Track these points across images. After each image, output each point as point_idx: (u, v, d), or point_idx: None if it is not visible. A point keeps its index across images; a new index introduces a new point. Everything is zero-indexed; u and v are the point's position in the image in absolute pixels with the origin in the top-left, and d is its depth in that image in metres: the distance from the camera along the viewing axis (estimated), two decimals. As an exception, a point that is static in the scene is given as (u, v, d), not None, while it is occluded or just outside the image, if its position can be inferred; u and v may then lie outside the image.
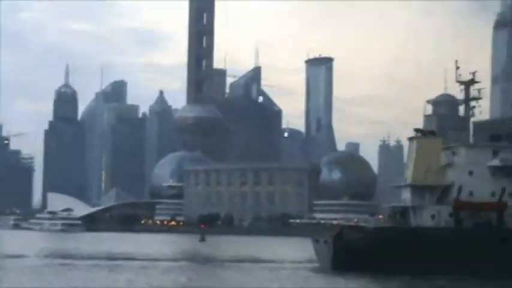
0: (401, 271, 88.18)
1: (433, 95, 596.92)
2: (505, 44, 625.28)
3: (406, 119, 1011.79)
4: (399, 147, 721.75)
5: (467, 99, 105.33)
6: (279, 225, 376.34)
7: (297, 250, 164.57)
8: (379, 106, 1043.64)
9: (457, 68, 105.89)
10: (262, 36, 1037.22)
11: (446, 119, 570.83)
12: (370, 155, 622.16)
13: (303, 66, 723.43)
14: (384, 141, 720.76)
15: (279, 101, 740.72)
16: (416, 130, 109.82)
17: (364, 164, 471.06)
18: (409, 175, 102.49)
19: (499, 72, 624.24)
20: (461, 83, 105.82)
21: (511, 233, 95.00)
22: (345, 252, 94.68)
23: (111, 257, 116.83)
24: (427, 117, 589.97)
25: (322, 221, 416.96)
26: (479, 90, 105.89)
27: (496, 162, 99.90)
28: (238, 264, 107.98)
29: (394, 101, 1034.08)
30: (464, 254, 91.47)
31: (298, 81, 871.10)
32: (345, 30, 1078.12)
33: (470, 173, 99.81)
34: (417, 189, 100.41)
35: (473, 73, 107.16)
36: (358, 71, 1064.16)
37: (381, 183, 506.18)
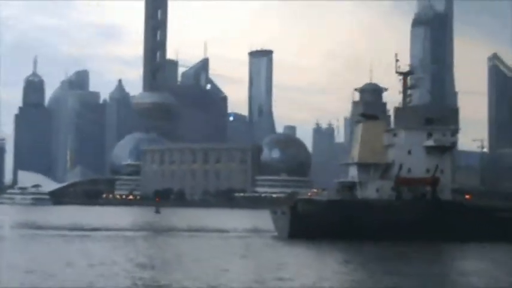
0: (351, 237, 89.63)
1: (360, 83, 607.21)
2: (421, 39, 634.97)
3: (337, 104, 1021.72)
4: (331, 130, 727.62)
5: (406, 88, 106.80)
6: (226, 199, 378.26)
7: (243, 220, 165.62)
8: (314, 93, 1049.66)
9: (397, 60, 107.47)
10: (210, 31, 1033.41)
11: (371, 105, 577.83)
12: (306, 137, 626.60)
13: (247, 57, 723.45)
14: (317, 125, 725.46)
15: (225, 89, 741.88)
16: (362, 115, 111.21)
17: (300, 145, 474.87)
18: (355, 154, 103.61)
19: (417, 64, 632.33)
20: (400, 73, 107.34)
21: (443, 204, 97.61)
22: (301, 222, 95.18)
23: (79, 228, 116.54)
24: (355, 104, 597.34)
25: (263, 195, 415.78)
26: (417, 79, 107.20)
27: (430, 142, 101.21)
28: (196, 233, 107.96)
29: (327, 89, 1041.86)
30: (405, 221, 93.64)
31: (242, 71, 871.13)
32: (284, 25, 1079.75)
33: (409, 152, 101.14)
34: (363, 166, 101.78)
35: (410, 65, 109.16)
36: (295, 62, 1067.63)
37: (314, 162, 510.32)
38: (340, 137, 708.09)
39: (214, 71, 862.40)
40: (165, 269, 59.39)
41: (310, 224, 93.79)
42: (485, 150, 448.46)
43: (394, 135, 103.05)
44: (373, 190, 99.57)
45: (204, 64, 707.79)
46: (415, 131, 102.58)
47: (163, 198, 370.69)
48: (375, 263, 68.37)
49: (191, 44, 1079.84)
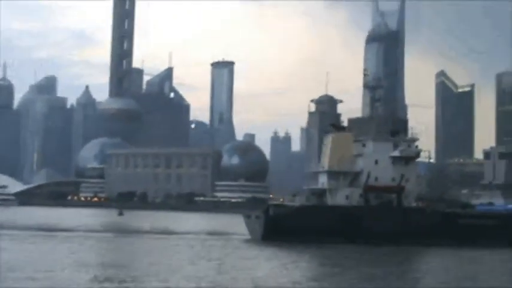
0: (321, 241, 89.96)
1: (317, 95, 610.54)
2: (375, 55, 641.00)
3: (294, 114, 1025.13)
4: (287, 138, 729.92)
5: (374, 100, 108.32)
6: (186, 202, 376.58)
7: (205, 223, 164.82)
8: (273, 103, 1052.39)
9: (365, 75, 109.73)
10: (175, 41, 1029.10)
11: (326, 116, 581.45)
12: (264, 144, 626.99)
13: (209, 68, 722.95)
14: (275, 133, 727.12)
15: (188, 97, 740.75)
16: (332, 125, 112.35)
17: (258, 152, 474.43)
18: (326, 163, 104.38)
19: (370, 78, 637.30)
20: (369, 87, 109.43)
21: (407, 211, 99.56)
22: (274, 225, 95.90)
23: (45, 228, 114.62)
24: (311, 114, 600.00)
25: (222, 199, 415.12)
26: (380, 94, 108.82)
27: (396, 153, 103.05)
28: (162, 235, 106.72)
29: (285, 100, 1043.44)
30: (372, 226, 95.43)
31: (205, 80, 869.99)
32: (246, 36, 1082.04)
33: (376, 161, 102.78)
34: (333, 174, 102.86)
35: (377, 79, 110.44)
36: (256, 72, 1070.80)
37: (272, 168, 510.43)
38: (296, 145, 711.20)
39: (178, 80, 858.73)
40: (127, 268, 58.35)
41: (283, 228, 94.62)
42: (432, 160, 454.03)
43: (363, 145, 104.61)
44: (342, 197, 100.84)
45: (168, 73, 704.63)
46: (382, 142, 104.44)
47: (127, 200, 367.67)
48: (343, 267, 67.96)
49: (156, 53, 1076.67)
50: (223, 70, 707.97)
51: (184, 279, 52.17)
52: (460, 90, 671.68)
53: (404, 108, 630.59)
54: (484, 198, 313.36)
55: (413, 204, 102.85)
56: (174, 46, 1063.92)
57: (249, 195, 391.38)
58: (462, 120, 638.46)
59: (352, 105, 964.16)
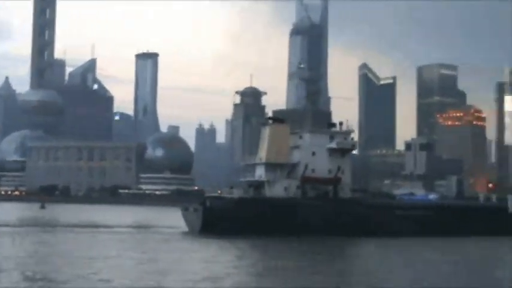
0: (260, 233, 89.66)
1: (242, 87, 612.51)
2: (298, 47, 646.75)
3: (219, 106, 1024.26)
4: (212, 130, 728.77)
5: (310, 93, 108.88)
6: (110, 195, 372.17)
7: (132, 216, 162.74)
8: (198, 95, 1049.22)
9: (300, 68, 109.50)
10: (99, 33, 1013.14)
11: (251, 108, 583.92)
12: (189, 136, 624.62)
13: (133, 59, 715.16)
14: (200, 125, 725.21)
15: (112, 89, 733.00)
16: (269, 118, 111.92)
17: (183, 144, 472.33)
18: (263, 155, 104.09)
19: (294, 69, 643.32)
20: (305, 80, 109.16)
21: (343, 202, 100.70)
22: (213, 218, 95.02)
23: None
24: (235, 106, 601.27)
25: (147, 192, 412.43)
26: (317, 88, 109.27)
27: (333, 145, 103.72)
28: (91, 229, 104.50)
29: (210, 92, 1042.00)
30: (309, 217, 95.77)
31: (129, 72, 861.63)
32: (171, 27, 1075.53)
33: (313, 153, 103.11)
34: (270, 166, 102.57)
35: (313, 73, 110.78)
36: (181, 64, 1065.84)
37: (196, 160, 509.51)
38: (221, 137, 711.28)
39: (101, 71, 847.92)
40: (50, 264, 57.32)
41: (222, 220, 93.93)
42: (355, 152, 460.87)
43: (300, 137, 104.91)
44: (280, 188, 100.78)
45: (91, 64, 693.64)
46: (318, 134, 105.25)
47: (49, 194, 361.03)
48: (271, 259, 67.73)
49: (79, 44, 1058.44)
50: (147, 62, 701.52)
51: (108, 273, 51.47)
52: (382, 82, 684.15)
53: (327, 100, 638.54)
54: (405, 189, 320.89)
55: (349, 196, 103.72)
56: (98, 37, 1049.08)
57: (173, 187, 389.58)
58: (384, 112, 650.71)
59: (276, 98, 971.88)
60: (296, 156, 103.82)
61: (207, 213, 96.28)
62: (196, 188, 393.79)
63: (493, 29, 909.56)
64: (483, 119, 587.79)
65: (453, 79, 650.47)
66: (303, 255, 71.62)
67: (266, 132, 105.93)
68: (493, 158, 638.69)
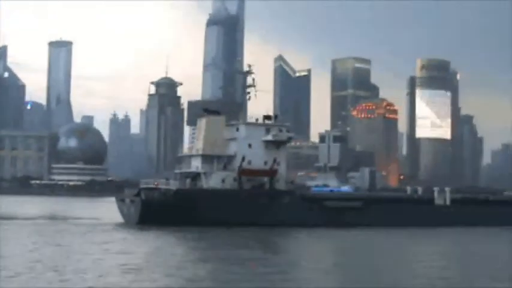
0: (197, 224, 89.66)
1: (157, 77, 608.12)
2: (215, 37, 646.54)
3: (134, 96, 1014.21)
4: (127, 120, 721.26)
5: (245, 86, 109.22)
6: (21, 186, 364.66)
7: (47, 207, 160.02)
8: (112, 85, 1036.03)
9: (238, 60, 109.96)
10: (10, 18, 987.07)
11: (166, 98, 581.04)
12: (103, 127, 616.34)
13: (46, 47, 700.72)
14: (114, 115, 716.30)
15: (24, 77, 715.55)
16: (205, 110, 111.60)
17: (96, 134, 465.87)
18: (199, 146, 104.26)
19: (210, 61, 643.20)
20: (242, 73, 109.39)
21: (279, 193, 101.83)
22: (152, 210, 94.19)
23: None
24: (150, 96, 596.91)
25: (60, 182, 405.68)
26: (253, 80, 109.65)
27: (269, 137, 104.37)
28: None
29: (124, 81, 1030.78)
30: (246, 209, 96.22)
31: (41, 60, 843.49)
32: (87, 16, 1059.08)
33: (249, 145, 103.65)
34: (207, 158, 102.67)
35: (249, 66, 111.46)
36: (95, 53, 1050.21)
37: (110, 151, 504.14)
38: (136, 128, 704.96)
39: (12, 59, 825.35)
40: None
41: (161, 212, 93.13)
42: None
43: (237, 129, 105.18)
44: (218, 180, 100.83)
45: (2, 52, 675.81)
46: (254, 126, 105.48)
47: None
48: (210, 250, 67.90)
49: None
50: (61, 50, 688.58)
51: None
52: (297, 75, 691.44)
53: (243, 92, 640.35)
54: (319, 180, 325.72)
55: (284, 188, 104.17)
56: (9, 23, 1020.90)
57: (87, 178, 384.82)
58: (299, 104, 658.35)
59: (192, 88, 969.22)
60: (232, 148, 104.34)
61: (145, 204, 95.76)
62: (110, 178, 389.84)
63: (406, 22, 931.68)
64: (395, 112, 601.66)
65: (366, 72, 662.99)
66: (234, 246, 72.18)
67: (202, 123, 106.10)
68: (404, 151, 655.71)
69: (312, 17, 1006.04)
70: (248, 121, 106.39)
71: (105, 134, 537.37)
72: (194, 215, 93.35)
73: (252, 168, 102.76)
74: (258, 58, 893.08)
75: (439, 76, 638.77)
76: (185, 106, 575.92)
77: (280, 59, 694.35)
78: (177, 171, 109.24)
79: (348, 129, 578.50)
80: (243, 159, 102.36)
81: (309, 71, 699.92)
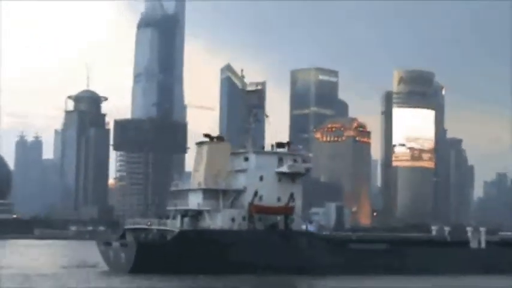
0: (204, 271, 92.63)
1: (76, 90, 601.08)
2: (148, 42, 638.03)
3: (47, 113, 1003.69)
4: (38, 142, 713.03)
5: (252, 106, 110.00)
6: None
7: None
8: (18, 98, 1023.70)
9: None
10: None
11: (87, 116, 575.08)
12: (7, 150, 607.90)
13: None
14: (21, 137, 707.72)
15: None
16: (206, 135, 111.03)
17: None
18: (200, 179, 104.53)
19: (141, 70, 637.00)
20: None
21: (295, 235, 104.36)
22: (149, 255, 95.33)
23: None
24: (68, 114, 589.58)
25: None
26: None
27: (284, 168, 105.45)
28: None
29: (34, 94, 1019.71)
30: (261, 254, 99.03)
31: None
32: None
33: (261, 178, 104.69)
34: (210, 192, 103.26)
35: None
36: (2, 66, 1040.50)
37: (17, 181, 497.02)
38: (49, 152, 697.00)
39: None
40: None
41: (160, 257, 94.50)
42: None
43: (245, 159, 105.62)
44: (226, 219, 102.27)
45: None
46: (266, 156, 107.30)
47: None
48: None
49: None
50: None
51: None
52: (249, 88, 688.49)
53: (182, 109, 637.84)
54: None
55: (301, 228, 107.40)
56: None
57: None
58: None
59: (119, 104, 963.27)
60: (240, 181, 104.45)
61: (141, 249, 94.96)
62: (15, 216, 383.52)
63: (382, 26, 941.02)
64: (367, 135, 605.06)
65: (333, 86, 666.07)
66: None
67: (203, 151, 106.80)
68: (378, 182, 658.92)
69: (267, 19, 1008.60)
70: (258, 149, 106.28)
71: (10, 160, 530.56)
72: (204, 260, 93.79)
73: (264, 204, 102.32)
74: (201, 68, 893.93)
75: (421, 91, 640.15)
76: (111, 126, 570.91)
77: (228, 69, 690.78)
78: (170, 207, 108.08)
79: (311, 155, 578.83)
80: (256, 194, 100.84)
81: (263, 84, 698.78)
